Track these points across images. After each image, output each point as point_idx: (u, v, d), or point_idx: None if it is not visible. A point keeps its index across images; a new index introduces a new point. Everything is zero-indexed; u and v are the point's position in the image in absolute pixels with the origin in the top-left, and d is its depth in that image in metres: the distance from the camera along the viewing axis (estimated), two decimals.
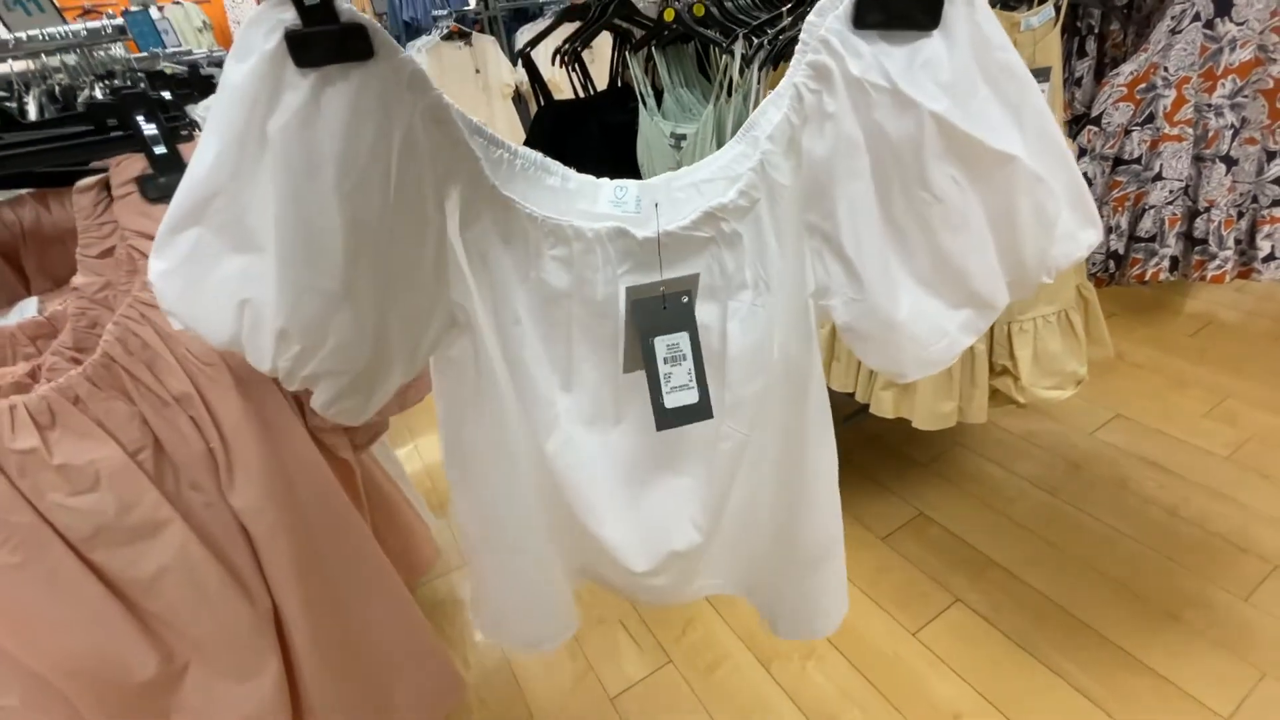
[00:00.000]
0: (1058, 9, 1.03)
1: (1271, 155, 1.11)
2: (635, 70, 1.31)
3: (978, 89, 0.49)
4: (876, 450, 1.79)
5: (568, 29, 1.43)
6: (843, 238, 0.54)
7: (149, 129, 0.63)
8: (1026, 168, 0.51)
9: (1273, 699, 1.14)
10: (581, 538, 0.63)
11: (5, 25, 1.21)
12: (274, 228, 0.45)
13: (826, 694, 1.23)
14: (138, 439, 0.63)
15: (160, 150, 0.64)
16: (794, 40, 0.53)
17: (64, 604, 0.61)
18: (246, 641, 0.71)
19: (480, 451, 0.61)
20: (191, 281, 0.49)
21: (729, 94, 1.12)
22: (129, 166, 0.64)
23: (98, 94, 1.23)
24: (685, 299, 0.56)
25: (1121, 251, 1.21)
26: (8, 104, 1.20)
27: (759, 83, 1.09)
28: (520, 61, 1.59)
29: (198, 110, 1.01)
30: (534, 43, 1.48)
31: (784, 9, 1.13)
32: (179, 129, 0.68)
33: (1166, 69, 1.08)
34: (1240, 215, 1.16)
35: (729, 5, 1.27)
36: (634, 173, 1.33)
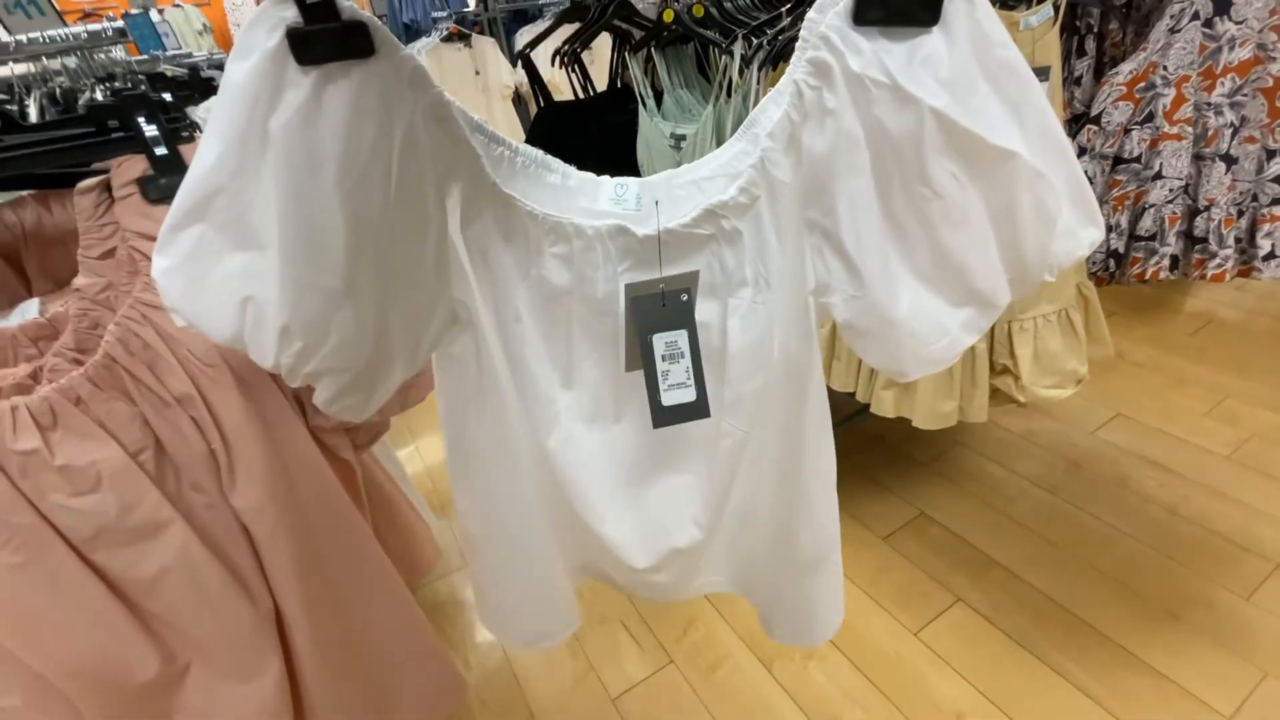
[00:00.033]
0: (1056, 8, 1.03)
1: (1271, 153, 1.11)
2: (635, 71, 1.31)
3: (978, 85, 0.49)
4: (877, 450, 1.78)
5: (567, 30, 1.43)
6: (843, 234, 0.54)
7: (150, 130, 0.63)
8: (1027, 164, 0.51)
9: (1274, 698, 1.13)
10: (583, 534, 0.63)
11: (6, 28, 1.21)
12: (276, 225, 0.45)
13: (828, 694, 1.23)
14: (139, 440, 0.63)
15: (161, 151, 0.64)
16: (793, 40, 0.54)
17: (66, 605, 0.61)
18: (248, 642, 0.71)
19: (482, 448, 0.61)
20: (194, 279, 0.49)
21: (728, 94, 1.12)
22: (130, 168, 0.64)
23: (98, 96, 1.23)
24: (684, 297, 0.56)
25: (1122, 250, 1.21)
26: (9, 106, 1.20)
27: (758, 83, 1.09)
28: (520, 63, 1.59)
29: (198, 112, 1.01)
30: (534, 44, 1.48)
31: (783, 9, 1.13)
32: (180, 130, 0.68)
33: (1166, 68, 1.08)
34: (1240, 214, 1.16)
35: (728, 6, 1.27)
36: (634, 173, 1.33)
